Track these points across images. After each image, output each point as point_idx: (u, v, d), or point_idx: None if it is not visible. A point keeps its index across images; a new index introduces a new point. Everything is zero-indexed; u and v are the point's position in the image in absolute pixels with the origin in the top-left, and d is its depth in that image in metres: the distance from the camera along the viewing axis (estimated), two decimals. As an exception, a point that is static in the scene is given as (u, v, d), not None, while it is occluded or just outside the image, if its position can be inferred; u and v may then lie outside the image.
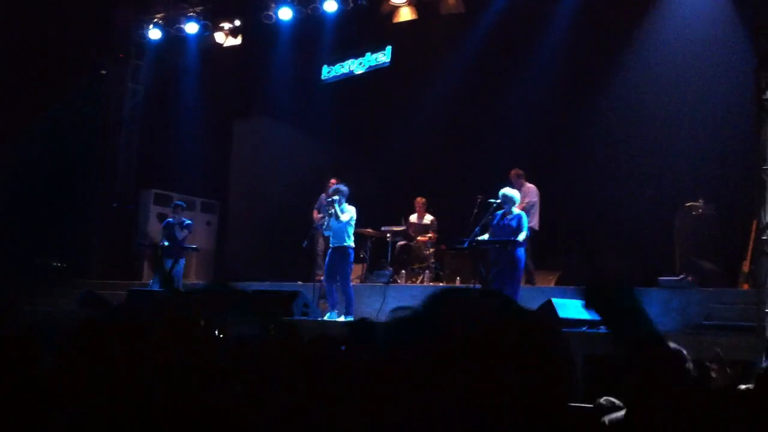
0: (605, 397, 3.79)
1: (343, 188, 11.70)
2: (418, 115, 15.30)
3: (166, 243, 13.57)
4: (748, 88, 8.87)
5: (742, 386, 2.78)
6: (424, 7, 15.64)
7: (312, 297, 12.26)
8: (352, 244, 11.81)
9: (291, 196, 14.93)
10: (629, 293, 1.90)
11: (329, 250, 11.83)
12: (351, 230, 11.72)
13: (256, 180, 17.90)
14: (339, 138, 16.65)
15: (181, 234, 13.50)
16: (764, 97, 8.16)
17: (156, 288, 13.02)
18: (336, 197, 11.57)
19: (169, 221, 13.77)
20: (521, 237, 10.34)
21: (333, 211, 11.54)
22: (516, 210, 10.61)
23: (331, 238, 11.84)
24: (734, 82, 11.65)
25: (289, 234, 14.72)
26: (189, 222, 13.88)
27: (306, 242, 13.87)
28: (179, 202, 14.19)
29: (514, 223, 10.45)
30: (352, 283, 12.04)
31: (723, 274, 11.11)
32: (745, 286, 10.21)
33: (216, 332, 7.70)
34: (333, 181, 13.55)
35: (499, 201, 10.65)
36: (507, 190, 10.70)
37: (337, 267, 11.66)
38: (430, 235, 13.87)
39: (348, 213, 11.63)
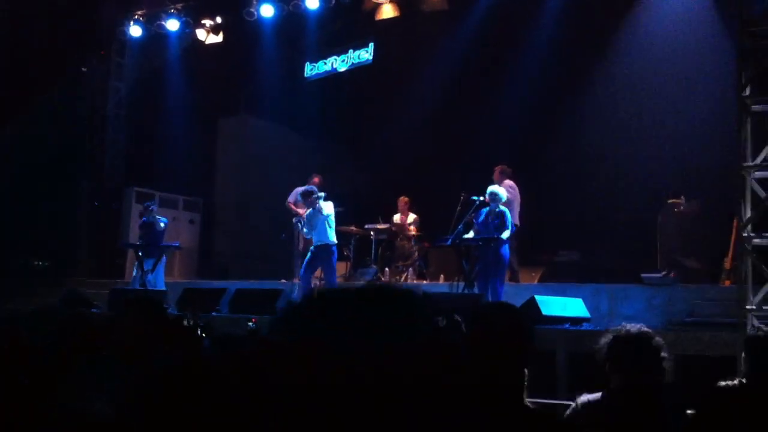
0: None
1: (315, 189, 11.96)
2: (402, 112, 15.28)
3: (144, 242, 13.49)
4: (730, 86, 8.92)
5: (722, 383, 2.79)
6: (406, 5, 15.62)
7: (295, 295, 12.22)
8: (335, 241, 11.84)
9: (276, 193, 14.86)
10: None
11: (311, 248, 11.82)
12: (332, 223, 11.77)
13: (240, 177, 17.83)
14: (323, 135, 16.61)
15: (159, 228, 13.41)
16: (744, 95, 8.20)
17: (137, 287, 12.95)
18: (321, 194, 11.73)
19: (144, 220, 13.69)
20: (505, 234, 10.33)
21: (317, 206, 11.63)
22: (500, 207, 10.61)
23: (314, 237, 11.86)
24: (716, 80, 11.72)
25: (274, 232, 14.67)
26: (164, 220, 13.80)
27: (284, 234, 13.83)
28: (149, 203, 14.04)
29: (497, 221, 10.45)
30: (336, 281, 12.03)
31: (705, 271, 11.18)
32: (727, 283, 10.26)
33: (199, 332, 7.67)
34: (316, 179, 13.58)
35: (482, 198, 10.66)
36: (494, 188, 10.72)
37: (320, 264, 11.73)
38: (413, 232, 13.86)
39: (328, 206, 11.73)
